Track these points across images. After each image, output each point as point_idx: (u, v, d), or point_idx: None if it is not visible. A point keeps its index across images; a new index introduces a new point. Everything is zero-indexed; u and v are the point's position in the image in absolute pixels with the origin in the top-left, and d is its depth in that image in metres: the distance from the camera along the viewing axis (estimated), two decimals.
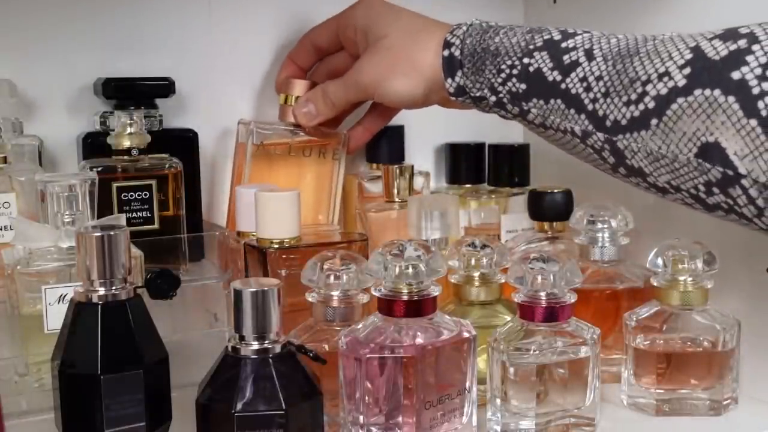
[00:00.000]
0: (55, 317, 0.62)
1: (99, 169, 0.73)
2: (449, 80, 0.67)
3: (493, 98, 0.65)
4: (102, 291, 0.57)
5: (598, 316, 0.74)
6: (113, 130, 0.76)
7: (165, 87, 0.82)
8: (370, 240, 0.77)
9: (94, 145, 0.79)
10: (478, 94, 0.66)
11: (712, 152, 0.51)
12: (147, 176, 0.76)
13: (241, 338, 0.56)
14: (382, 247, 0.62)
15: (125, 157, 0.75)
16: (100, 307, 0.57)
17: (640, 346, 0.72)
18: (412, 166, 0.86)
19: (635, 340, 0.72)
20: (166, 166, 0.77)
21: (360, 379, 0.60)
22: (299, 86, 0.81)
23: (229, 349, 0.56)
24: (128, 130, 0.75)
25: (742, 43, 0.51)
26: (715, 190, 0.52)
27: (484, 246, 0.71)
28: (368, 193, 0.90)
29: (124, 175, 0.75)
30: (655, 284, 0.73)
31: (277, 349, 0.56)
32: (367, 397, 0.60)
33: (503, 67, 0.63)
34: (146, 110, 0.80)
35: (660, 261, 0.72)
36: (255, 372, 0.55)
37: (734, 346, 0.72)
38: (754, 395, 0.75)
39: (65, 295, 0.64)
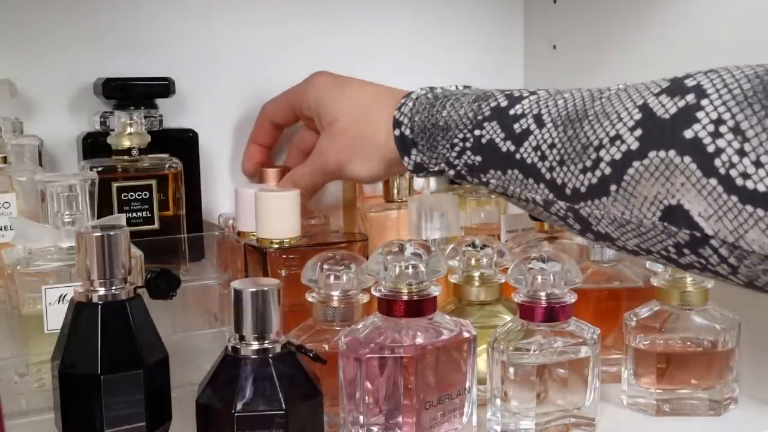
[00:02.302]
0: (55, 317, 0.62)
1: (99, 169, 0.73)
2: (406, 159, 0.67)
3: (452, 172, 0.64)
4: (102, 291, 0.57)
5: (598, 316, 0.74)
6: (113, 130, 0.75)
7: (165, 87, 0.82)
8: (370, 240, 0.77)
9: (94, 145, 0.79)
10: (436, 169, 0.65)
11: (676, 215, 0.49)
12: (147, 176, 0.76)
13: (241, 338, 0.56)
14: (382, 247, 0.62)
15: (125, 157, 0.75)
16: (100, 307, 0.57)
17: (640, 346, 0.72)
18: None
19: (635, 340, 0.72)
20: (166, 166, 0.77)
21: (360, 379, 0.60)
22: (272, 175, 0.82)
23: (229, 349, 0.56)
24: (128, 130, 0.75)
25: (690, 98, 0.49)
26: (686, 251, 0.51)
27: (484, 246, 0.71)
28: (368, 193, 0.90)
29: (124, 175, 0.75)
30: (655, 284, 0.73)
31: (277, 349, 0.56)
32: (367, 397, 0.60)
33: (455, 141, 0.62)
34: (146, 110, 0.80)
35: None
36: (255, 372, 0.55)
37: (734, 346, 0.72)
38: (754, 395, 0.75)
39: (65, 295, 0.64)
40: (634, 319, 0.73)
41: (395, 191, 0.85)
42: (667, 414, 0.72)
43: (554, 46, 0.99)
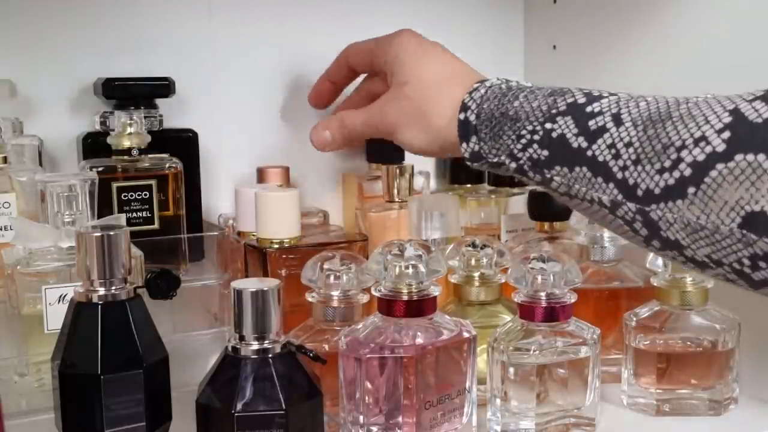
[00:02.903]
0: (55, 317, 0.62)
1: (99, 169, 0.73)
2: (464, 145, 0.64)
3: (513, 165, 0.61)
4: (102, 291, 0.57)
5: (598, 316, 0.74)
6: (113, 130, 0.76)
7: (165, 87, 0.82)
8: (370, 240, 0.77)
9: (94, 145, 0.79)
10: (495, 160, 0.62)
11: (758, 222, 0.47)
12: (147, 176, 0.76)
13: (241, 338, 0.56)
14: (382, 247, 0.62)
15: (125, 157, 0.75)
16: (100, 307, 0.57)
17: (640, 346, 0.72)
18: (412, 166, 0.86)
19: (635, 340, 0.72)
20: (166, 166, 0.77)
21: (360, 379, 0.60)
22: (272, 175, 0.83)
23: (229, 349, 0.56)
24: (128, 130, 0.75)
25: None
26: (762, 264, 0.48)
27: (484, 246, 0.71)
28: (368, 193, 0.90)
29: (124, 175, 0.75)
30: (655, 284, 0.73)
31: (277, 349, 0.56)
32: (367, 397, 0.60)
33: (523, 132, 0.60)
34: (146, 110, 0.80)
35: (660, 261, 0.72)
36: (255, 372, 0.55)
37: (734, 346, 0.72)
38: (754, 395, 0.75)
39: (65, 295, 0.64)
40: (634, 319, 0.73)
41: (395, 191, 0.85)
42: (667, 414, 0.72)
43: (554, 46, 0.99)
